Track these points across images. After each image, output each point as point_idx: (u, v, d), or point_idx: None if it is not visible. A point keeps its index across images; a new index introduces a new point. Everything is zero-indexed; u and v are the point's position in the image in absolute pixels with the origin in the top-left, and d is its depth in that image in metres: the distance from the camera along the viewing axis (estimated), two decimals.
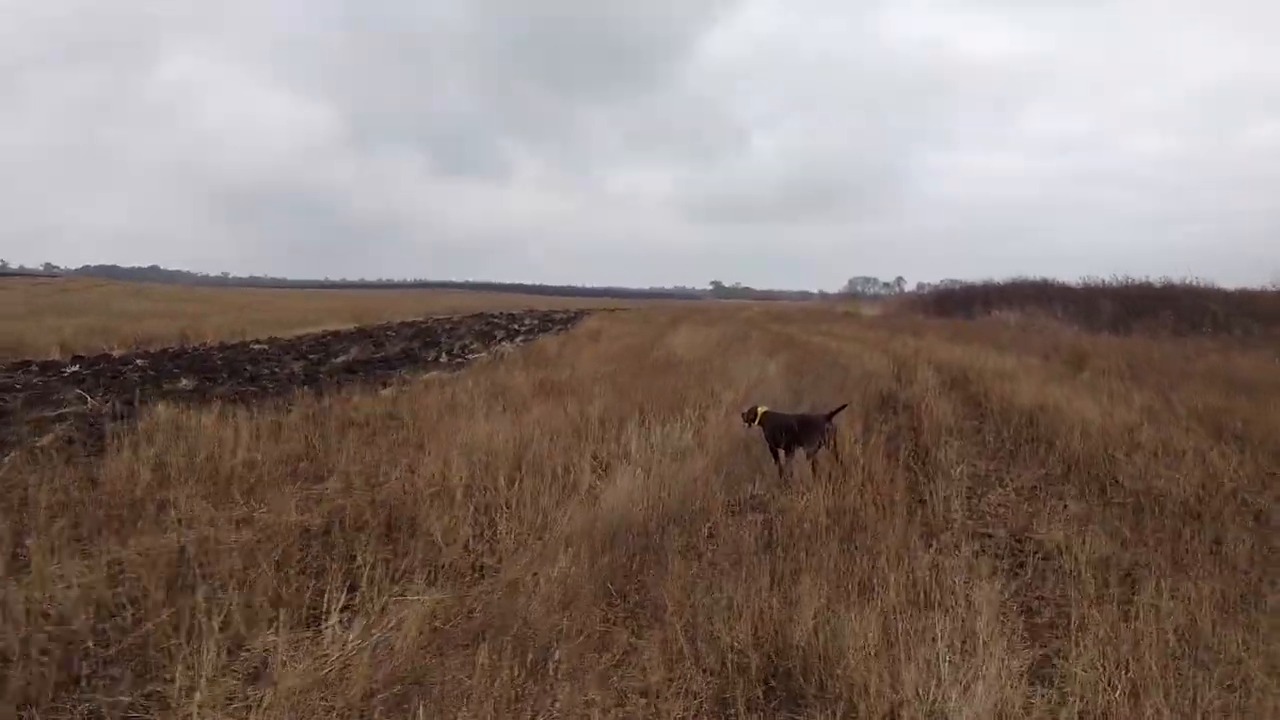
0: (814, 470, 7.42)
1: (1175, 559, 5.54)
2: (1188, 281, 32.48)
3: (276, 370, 16.54)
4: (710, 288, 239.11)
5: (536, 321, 40.70)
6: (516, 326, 35.65)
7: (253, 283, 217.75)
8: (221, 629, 4.15)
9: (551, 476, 7.01)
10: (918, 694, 3.75)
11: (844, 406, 8.39)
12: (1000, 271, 45.78)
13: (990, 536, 6.31)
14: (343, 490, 6.77)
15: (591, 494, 6.94)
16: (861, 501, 6.35)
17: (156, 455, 7.07)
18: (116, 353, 19.19)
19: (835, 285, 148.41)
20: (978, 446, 9.37)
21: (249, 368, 16.82)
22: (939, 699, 3.72)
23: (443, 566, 5.26)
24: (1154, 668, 3.85)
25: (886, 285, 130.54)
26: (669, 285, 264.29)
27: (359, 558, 5.05)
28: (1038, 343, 21.30)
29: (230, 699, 3.75)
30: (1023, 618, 4.83)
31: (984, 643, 4.15)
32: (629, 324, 32.91)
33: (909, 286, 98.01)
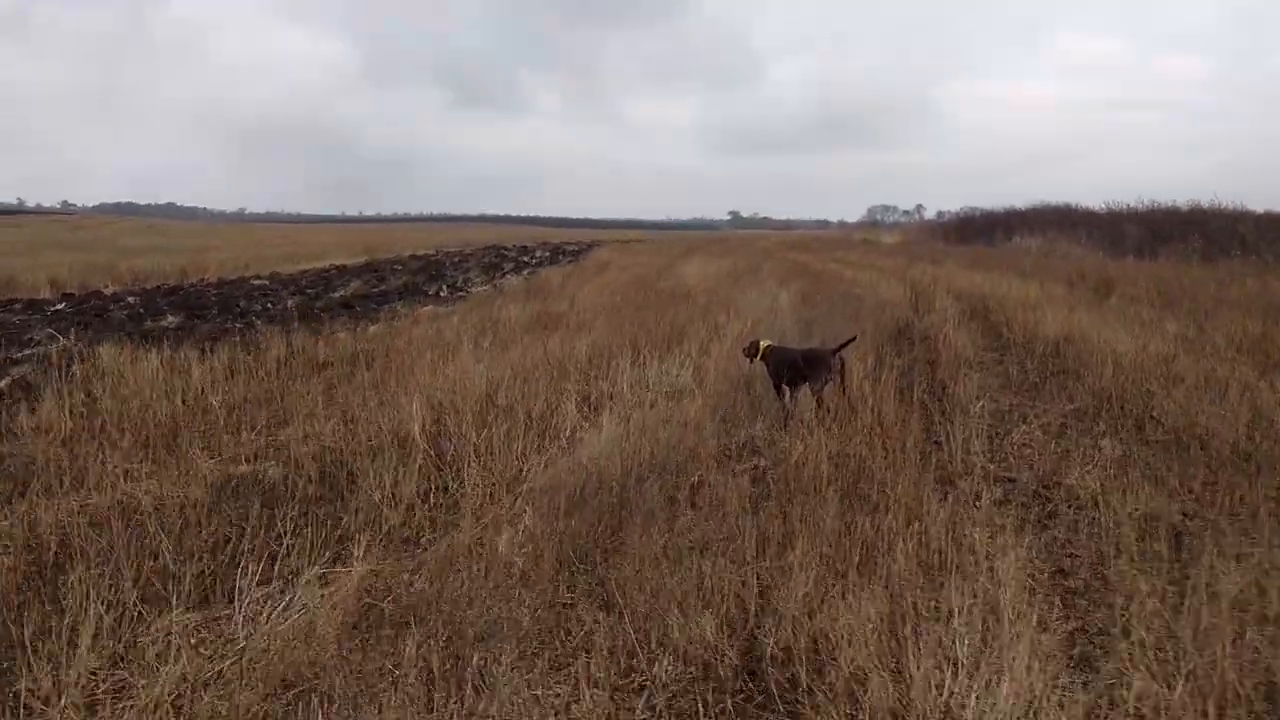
0: (820, 407, 6.75)
1: (1231, 511, 4.84)
2: (1216, 205, 31.19)
3: (270, 306, 15.94)
4: (728, 218, 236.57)
5: (547, 254, 39.82)
6: (526, 259, 34.89)
7: (270, 218, 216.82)
8: (108, 610, 3.52)
9: (527, 422, 6.33)
10: (930, 687, 3.09)
11: (853, 339, 7.65)
12: (1024, 201, 44.16)
13: (1014, 482, 5.62)
14: (301, 439, 6.13)
15: (572, 441, 6.28)
16: (870, 449, 5.63)
17: (83, 403, 6.42)
18: (109, 290, 18.61)
19: (855, 215, 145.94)
20: (1000, 380, 8.65)
21: (241, 304, 16.23)
22: (956, 692, 3.07)
23: (387, 530, 4.62)
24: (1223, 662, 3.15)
25: (906, 213, 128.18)
26: (687, 217, 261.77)
27: (279, 524, 4.38)
28: (1061, 269, 20.33)
29: (96, 701, 3.12)
30: (1055, 582, 4.16)
31: (1009, 621, 3.46)
32: (640, 255, 32.06)
33: (929, 215, 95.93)
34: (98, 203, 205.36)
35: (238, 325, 12.94)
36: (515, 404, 6.64)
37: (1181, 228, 29.53)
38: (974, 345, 10.25)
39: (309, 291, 18.98)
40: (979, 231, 45.24)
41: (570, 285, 16.74)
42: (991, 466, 5.85)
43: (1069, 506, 5.14)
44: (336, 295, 18.02)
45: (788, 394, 7.08)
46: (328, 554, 4.20)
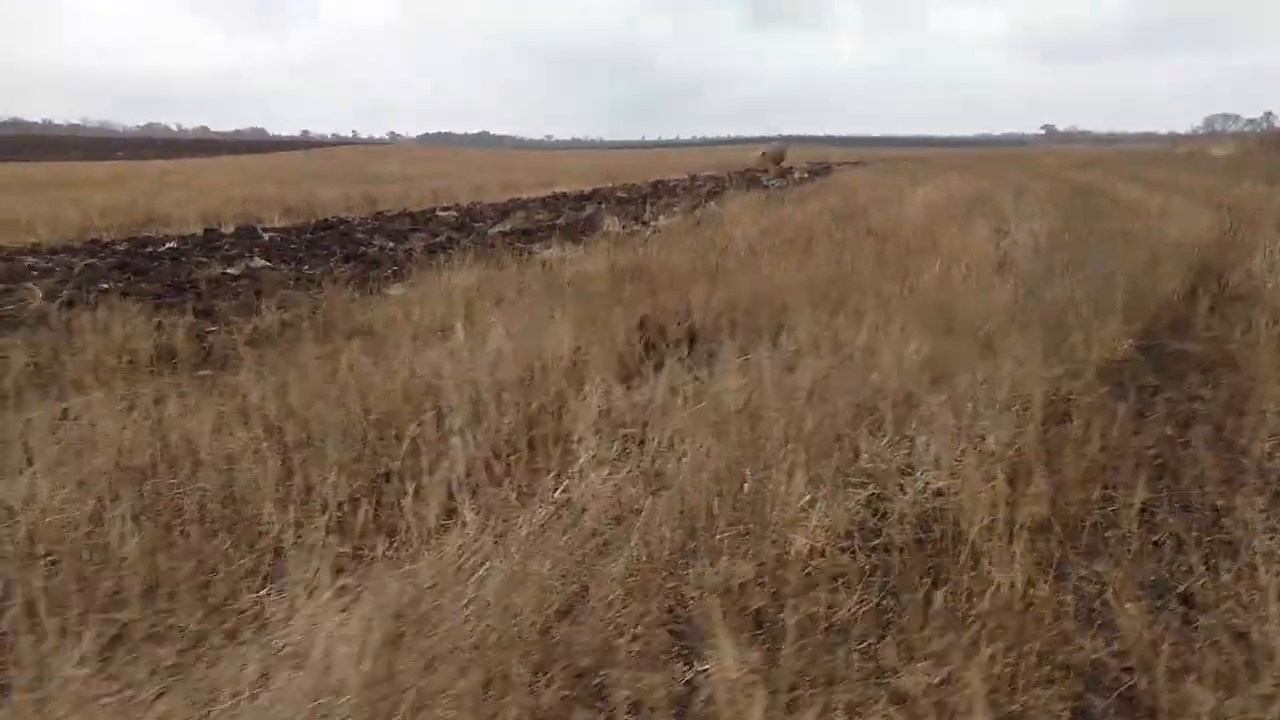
0: None
1: None
2: None
3: (395, 246, 13.66)
4: (1042, 133, 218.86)
5: (805, 174, 36.05)
6: (766, 181, 31.35)
7: (574, 145, 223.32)
8: None
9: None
10: None
11: None
12: None
13: None
14: None
15: None
16: None
17: None
18: (259, 225, 17.05)
19: (1190, 126, 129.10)
20: None
21: (372, 243, 14.05)
22: None
23: None
24: None
25: (1252, 122, 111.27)
26: (998, 132, 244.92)
27: None
28: None
29: None
30: None
31: None
32: (892, 175, 27.50)
33: None
34: (421, 133, 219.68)
35: (317, 272, 10.70)
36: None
37: None
38: None
39: (476, 225, 16.73)
40: None
41: (746, 218, 13.24)
42: None
43: None
44: (494, 230, 15.58)
45: None
46: None
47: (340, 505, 3.66)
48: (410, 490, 3.63)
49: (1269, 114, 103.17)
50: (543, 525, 3.51)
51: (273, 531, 3.46)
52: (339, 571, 3.17)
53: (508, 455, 4.13)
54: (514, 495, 3.84)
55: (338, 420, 4.41)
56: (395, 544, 3.45)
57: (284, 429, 4.34)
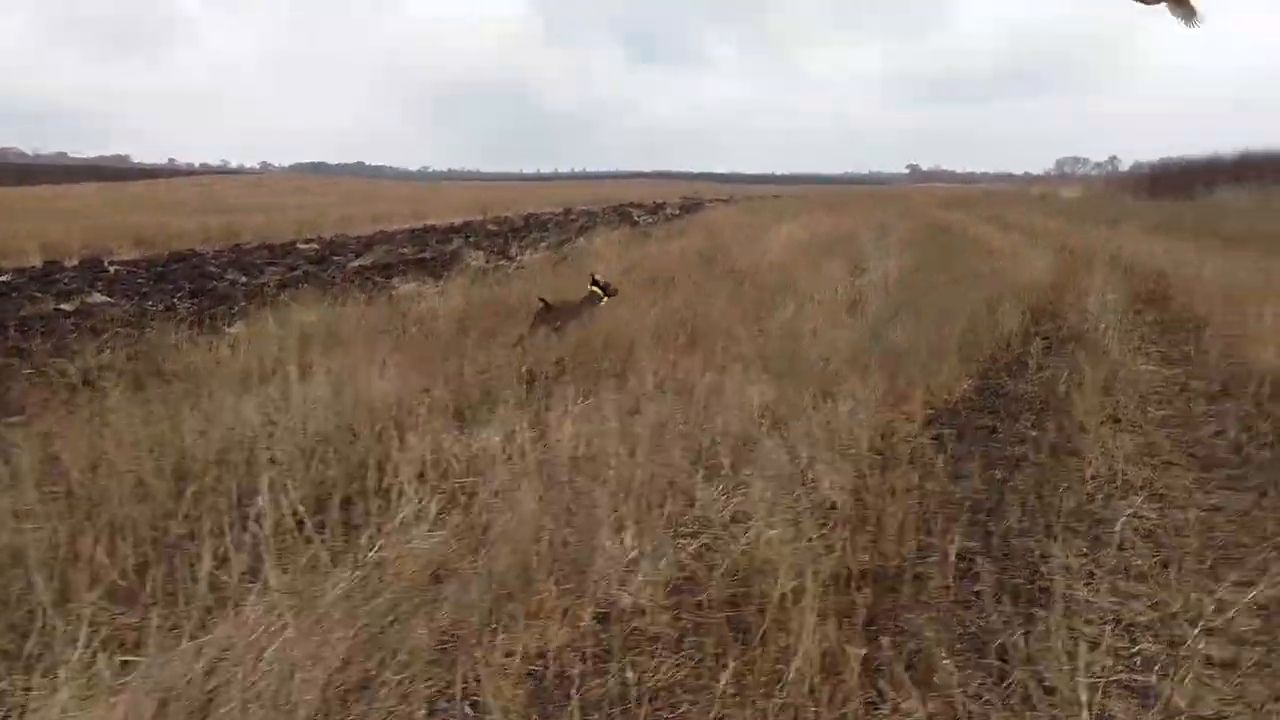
0: None
1: None
2: None
3: (248, 280, 13.10)
4: (906, 172, 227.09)
5: (676, 211, 36.39)
6: (638, 217, 31.52)
7: (450, 176, 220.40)
8: None
9: None
10: None
11: None
12: (1232, 148, 37.55)
13: None
14: None
15: None
16: None
17: None
18: (106, 256, 16.18)
19: (1042, 168, 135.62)
20: (1175, 454, 4.80)
21: (225, 277, 13.46)
22: None
23: None
24: None
25: (1099, 165, 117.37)
26: (865, 171, 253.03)
27: None
28: None
29: None
30: None
31: None
32: (755, 215, 27.84)
33: (1125, 167, 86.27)
34: (293, 162, 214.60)
35: (156, 307, 10.16)
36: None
37: None
38: (1135, 376, 6.27)
39: (337, 259, 16.26)
40: (1174, 184, 38.70)
41: (611, 254, 13.17)
42: None
43: None
44: (354, 264, 15.15)
45: None
46: None
47: (125, 573, 3.35)
48: (209, 553, 3.33)
49: (1114, 158, 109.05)
50: (348, 590, 3.26)
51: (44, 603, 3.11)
52: (120, 645, 2.89)
53: (317, 513, 3.86)
54: (327, 555, 3.56)
55: (133, 477, 4.07)
56: (187, 613, 3.15)
57: (70, 487, 3.98)
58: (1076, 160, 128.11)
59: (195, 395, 5.28)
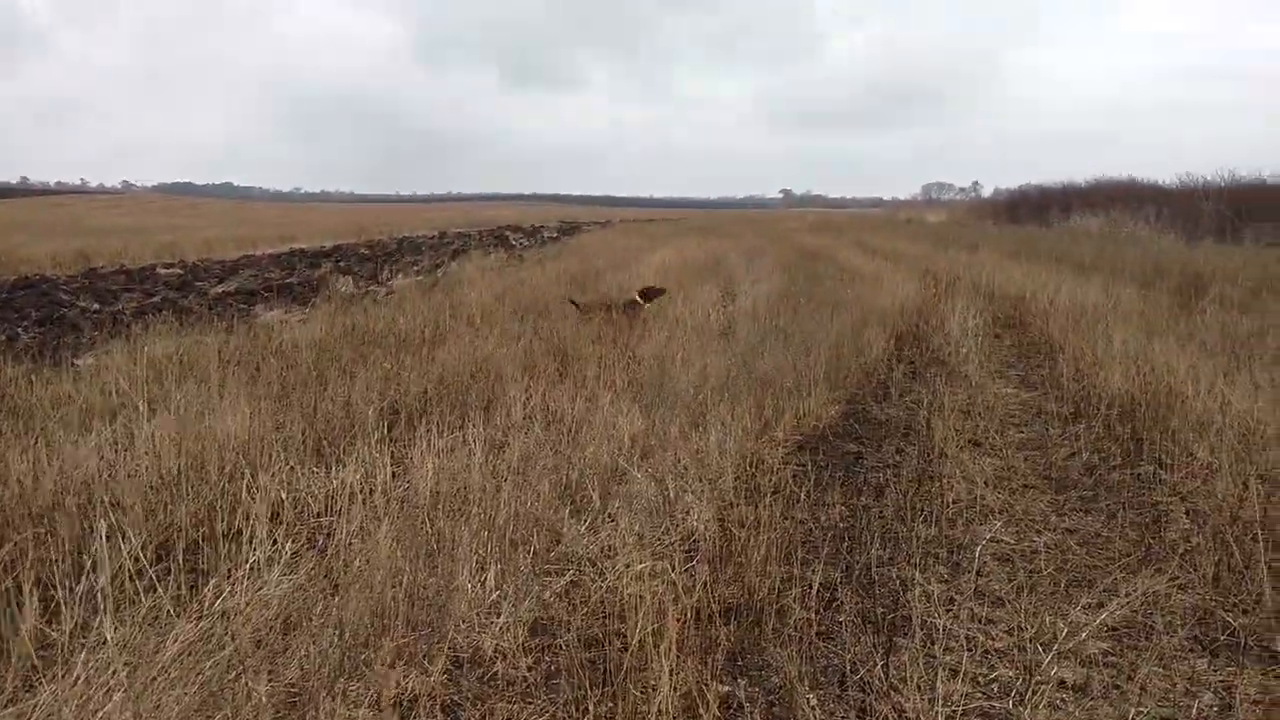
0: None
1: None
2: None
3: (102, 308, 12.44)
4: (780, 197, 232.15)
5: (554, 234, 36.25)
6: (515, 240, 31.28)
7: (323, 197, 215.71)
8: None
9: None
10: None
11: None
12: (1086, 177, 39.86)
13: None
14: None
15: None
16: None
17: None
18: None
19: (910, 192, 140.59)
20: (1028, 469, 4.95)
21: (76, 305, 12.76)
22: None
23: None
24: None
25: (962, 191, 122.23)
26: (740, 195, 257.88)
27: None
28: (1132, 259, 15.92)
29: None
30: None
31: None
32: (632, 237, 27.94)
33: (986, 193, 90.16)
34: (157, 182, 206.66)
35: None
36: None
37: (1272, 204, 25.06)
38: (992, 402, 6.45)
39: (199, 284, 15.60)
40: (1033, 210, 40.57)
41: (483, 280, 13.00)
42: None
43: None
44: (217, 290, 14.57)
45: None
46: None
47: None
48: (33, 607, 3.10)
49: (976, 184, 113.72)
50: (190, 643, 3.06)
51: None
52: None
53: (161, 560, 3.64)
54: (170, 605, 3.34)
55: None
56: (5, 674, 2.92)
57: None
58: (942, 186, 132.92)
59: (27, 436, 4.93)
